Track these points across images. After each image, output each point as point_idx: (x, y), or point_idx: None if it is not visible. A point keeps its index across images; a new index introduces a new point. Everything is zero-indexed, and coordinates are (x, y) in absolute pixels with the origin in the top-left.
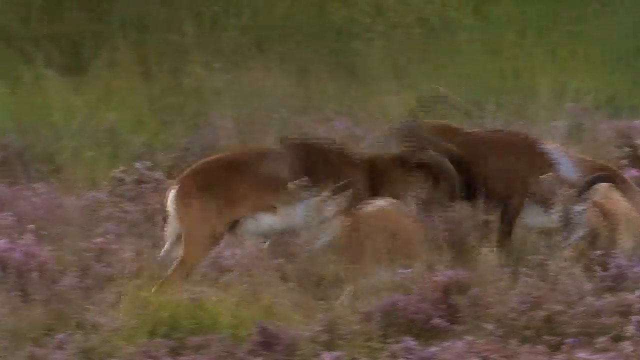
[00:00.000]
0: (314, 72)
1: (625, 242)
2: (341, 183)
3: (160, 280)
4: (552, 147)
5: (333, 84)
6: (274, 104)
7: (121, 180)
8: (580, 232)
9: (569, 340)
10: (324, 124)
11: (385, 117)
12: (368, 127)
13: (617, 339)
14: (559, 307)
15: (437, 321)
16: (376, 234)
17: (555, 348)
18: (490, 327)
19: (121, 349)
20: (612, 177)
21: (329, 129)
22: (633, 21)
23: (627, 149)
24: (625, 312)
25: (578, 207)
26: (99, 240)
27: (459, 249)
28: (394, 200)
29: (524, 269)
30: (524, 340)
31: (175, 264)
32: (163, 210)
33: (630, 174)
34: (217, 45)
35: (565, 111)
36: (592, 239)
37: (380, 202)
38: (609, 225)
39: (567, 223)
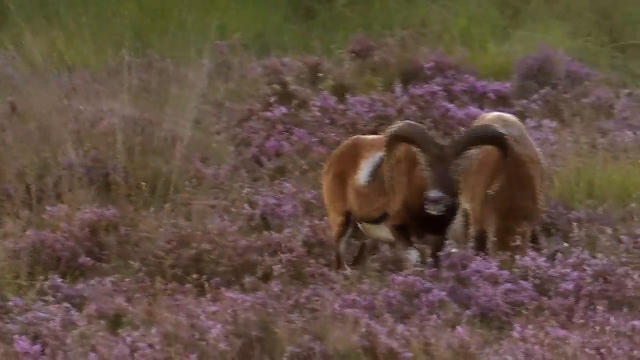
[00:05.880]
0: None
1: None
2: None
3: None
4: None
5: None
6: None
7: None
8: None
9: (216, 279)
10: None
11: None
12: None
13: (266, 278)
14: (206, 246)
15: (84, 259)
16: None
17: (203, 287)
18: (136, 265)
19: None
20: None
21: None
22: None
23: (276, 86)
24: (273, 251)
25: None
26: None
27: (106, 187)
28: None
29: (169, 207)
30: (172, 278)
31: None
32: None
33: (279, 111)
34: None
35: (211, 49)
36: None
37: None
38: None
39: None
